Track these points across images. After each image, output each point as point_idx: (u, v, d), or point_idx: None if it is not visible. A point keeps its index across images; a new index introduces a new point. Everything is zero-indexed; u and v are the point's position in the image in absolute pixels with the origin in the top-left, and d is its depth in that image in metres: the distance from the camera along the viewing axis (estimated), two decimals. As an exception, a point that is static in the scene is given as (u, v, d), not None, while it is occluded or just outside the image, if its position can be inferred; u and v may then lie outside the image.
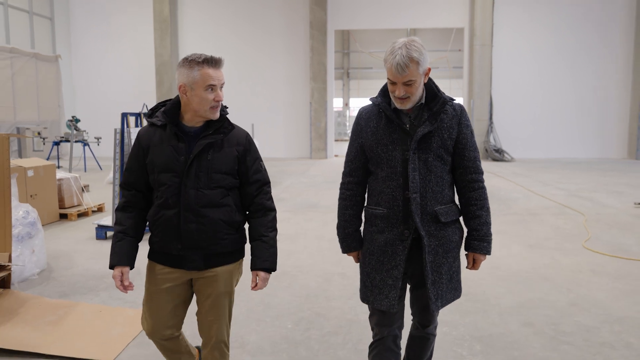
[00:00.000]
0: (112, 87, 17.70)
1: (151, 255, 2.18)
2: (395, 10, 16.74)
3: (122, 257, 2.09)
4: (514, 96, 16.70)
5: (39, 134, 13.70)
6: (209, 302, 2.15)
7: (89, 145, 13.41)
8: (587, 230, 6.18)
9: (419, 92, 2.05)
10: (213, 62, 2.02)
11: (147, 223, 2.18)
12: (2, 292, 3.56)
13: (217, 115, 2.08)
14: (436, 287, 2.11)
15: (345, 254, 2.32)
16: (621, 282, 4.32)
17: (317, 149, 16.89)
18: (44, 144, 13.73)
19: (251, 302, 3.83)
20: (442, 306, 2.14)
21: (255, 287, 2.17)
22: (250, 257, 2.19)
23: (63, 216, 6.83)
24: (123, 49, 17.69)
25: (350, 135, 2.27)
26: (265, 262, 2.15)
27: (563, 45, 16.50)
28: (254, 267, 2.16)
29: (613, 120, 16.70)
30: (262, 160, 2.22)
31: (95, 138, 13.35)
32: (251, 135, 8.84)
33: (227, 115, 2.16)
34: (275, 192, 9.29)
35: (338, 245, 2.34)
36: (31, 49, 15.84)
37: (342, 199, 2.27)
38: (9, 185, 3.67)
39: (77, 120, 13.21)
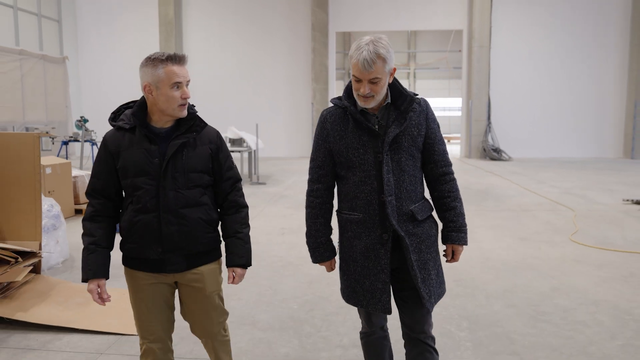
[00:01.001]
0: (117, 87, 18.05)
1: (127, 262, 2.12)
2: (395, 12, 17.07)
3: (97, 270, 2.03)
4: (511, 97, 17.03)
5: (47, 133, 14.08)
6: (200, 304, 2.15)
7: (97, 145, 13.78)
8: (576, 225, 6.51)
9: (383, 91, 2.02)
10: (177, 59, 1.99)
11: (118, 230, 2.14)
12: (34, 277, 3.91)
13: (185, 113, 2.06)
14: (427, 285, 2.08)
15: (317, 264, 2.25)
16: (602, 270, 4.66)
17: (319, 149, 17.24)
18: (52, 143, 14.09)
19: (261, 287, 4.18)
20: (435, 302, 2.13)
21: (232, 282, 2.18)
22: (225, 254, 2.20)
23: (78, 211, 7.19)
24: (128, 50, 18.04)
25: (314, 140, 2.20)
26: (242, 258, 2.16)
27: (560, 46, 16.82)
28: (230, 264, 2.17)
29: (609, 121, 17.02)
30: (232, 158, 2.22)
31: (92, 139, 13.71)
32: (255, 135, 9.20)
33: (198, 113, 2.14)
34: (278, 190, 9.64)
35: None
36: (39, 51, 16.21)
37: (310, 207, 2.20)
38: (39, 180, 4.03)
39: (86, 121, 13.56)
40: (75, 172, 7.35)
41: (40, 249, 3.99)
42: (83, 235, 2.07)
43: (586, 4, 16.62)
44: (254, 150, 10.71)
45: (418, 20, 17.23)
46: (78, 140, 13.00)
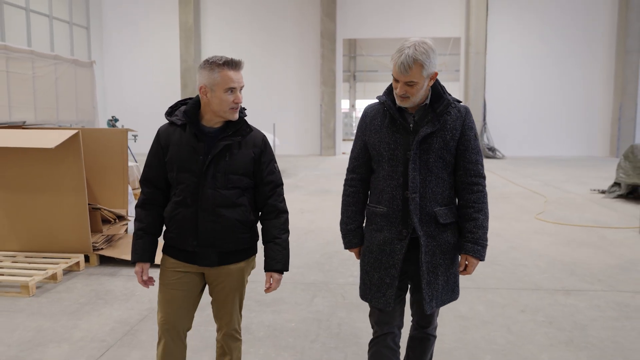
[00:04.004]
0: (139, 90, 19.48)
1: (166, 250, 2.22)
2: (398, 20, 18.42)
3: (142, 255, 2.17)
4: (506, 99, 18.34)
5: (130, 129, 15.53)
6: (222, 297, 2.23)
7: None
8: (544, 208, 7.86)
9: (420, 94, 2.06)
10: (233, 64, 2.06)
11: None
12: (125, 233, 5.30)
13: (237, 116, 2.13)
14: (431, 288, 2.11)
15: (347, 250, 2.34)
16: (552, 237, 6.02)
17: (327, 147, 18.61)
18: (135, 140, 15.50)
19: (291, 244, 5.55)
20: (437, 307, 2.15)
21: (268, 288, 2.24)
22: (263, 256, 2.29)
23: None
24: (150, 54, 19.47)
25: (356, 132, 2.30)
26: (279, 264, 2.22)
27: (552, 52, 18.11)
28: (268, 269, 2.23)
29: (597, 122, 18.30)
30: (276, 162, 2.26)
31: (132, 135, 15.14)
32: (273, 134, 11.00)
33: (246, 117, 2.20)
34: (293, 181, 11.03)
35: None
36: (71, 56, 17.66)
37: (345, 195, 2.29)
38: (126, 164, 5.42)
39: (116, 120, 15.01)
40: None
41: (127, 214, 5.39)
42: (135, 220, 2.23)
43: (576, 13, 17.91)
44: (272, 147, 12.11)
45: (419, 28, 18.55)
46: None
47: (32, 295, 4.06)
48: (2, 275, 4.26)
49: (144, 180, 2.20)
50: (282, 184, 2.27)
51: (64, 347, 3.17)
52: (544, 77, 18.28)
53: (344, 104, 31.26)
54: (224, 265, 2.16)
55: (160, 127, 2.21)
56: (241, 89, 2.09)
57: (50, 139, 4.43)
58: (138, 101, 19.24)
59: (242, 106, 2.17)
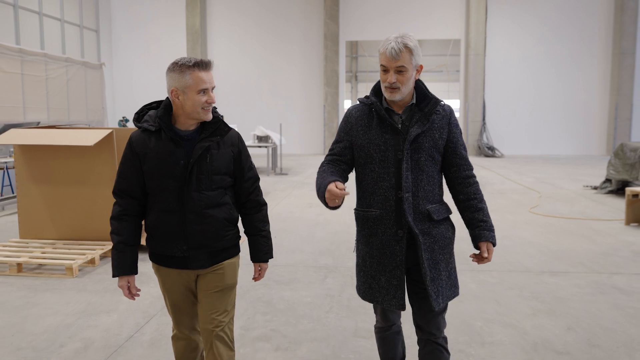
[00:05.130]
0: (148, 91, 19.98)
1: (154, 258, 2.21)
2: (399, 23, 18.92)
3: (125, 268, 2.14)
4: (505, 99, 18.83)
5: None
6: (216, 295, 2.19)
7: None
8: (537, 202, 8.35)
9: (409, 85, 2.08)
10: (203, 65, 2.03)
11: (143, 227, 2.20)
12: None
13: (210, 116, 2.10)
14: (436, 284, 2.12)
15: (332, 209, 2.09)
16: (543, 228, 6.51)
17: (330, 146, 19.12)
18: None
19: (302, 235, 6.07)
20: (443, 303, 2.14)
21: (258, 277, 2.35)
22: (248, 250, 2.35)
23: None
24: (158, 56, 19.98)
25: (337, 132, 2.28)
26: (266, 254, 2.31)
27: (550, 54, 18.60)
28: (256, 260, 2.32)
29: (594, 121, 18.78)
30: (251, 157, 2.28)
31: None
32: (280, 134, 11.69)
33: (222, 117, 2.18)
34: (300, 178, 11.54)
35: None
36: (81, 58, 18.19)
37: (320, 167, 2.27)
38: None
39: (127, 120, 15.51)
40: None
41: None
42: (111, 233, 2.16)
43: (573, 15, 18.40)
44: (277, 146, 12.62)
45: (420, 30, 19.05)
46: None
47: (75, 276, 4.57)
48: (48, 259, 4.77)
49: (119, 191, 2.14)
50: (259, 178, 2.31)
51: (114, 316, 3.68)
52: (542, 78, 18.77)
53: (346, 104, 31.79)
54: (217, 264, 2.18)
55: (132, 135, 2.14)
56: (213, 89, 2.07)
57: (89, 138, 4.94)
58: (146, 102, 19.66)
59: (214, 106, 2.15)
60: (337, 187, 2.00)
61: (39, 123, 12.89)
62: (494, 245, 2.22)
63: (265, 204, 2.33)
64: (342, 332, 3.42)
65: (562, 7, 18.33)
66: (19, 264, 4.65)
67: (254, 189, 2.26)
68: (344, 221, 6.83)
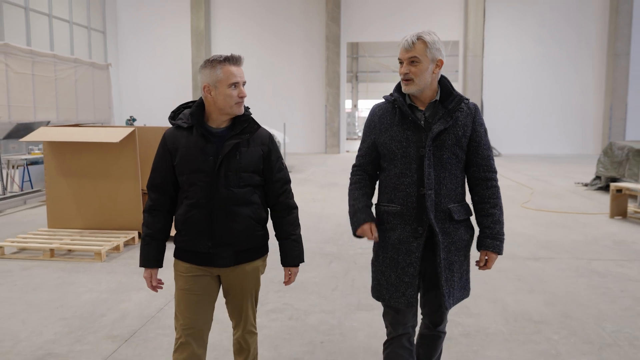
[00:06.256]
0: (153, 91, 20.46)
1: (178, 254, 2.22)
2: (399, 24, 19.37)
3: (150, 261, 2.20)
4: (502, 100, 19.29)
5: None
6: (239, 297, 2.25)
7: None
8: (529, 198, 8.81)
9: (424, 77, 2.05)
10: (234, 60, 2.07)
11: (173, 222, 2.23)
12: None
13: (242, 110, 2.13)
14: (449, 285, 2.12)
15: (358, 237, 2.22)
16: (532, 220, 6.97)
17: (331, 145, 19.58)
18: None
19: (308, 227, 6.52)
20: (454, 303, 2.16)
21: (288, 281, 2.32)
22: (279, 253, 2.32)
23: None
24: (163, 57, 20.45)
25: (363, 131, 2.28)
26: (297, 259, 2.29)
27: (546, 55, 19.06)
28: (287, 264, 2.28)
29: (591, 121, 19.23)
30: (283, 160, 2.28)
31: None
32: (284, 133, 12.32)
33: (252, 115, 2.20)
34: (304, 176, 12.00)
35: None
36: (89, 59, 18.65)
37: (351, 183, 2.28)
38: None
39: (134, 120, 15.99)
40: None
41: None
42: (142, 225, 2.23)
43: (569, 17, 18.86)
44: (281, 145, 13.10)
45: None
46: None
47: (103, 260, 5.03)
48: (78, 245, 5.24)
49: (152, 186, 2.20)
50: (290, 181, 2.30)
51: (143, 293, 4.14)
52: (539, 79, 19.22)
53: (347, 104, 32.27)
54: (240, 264, 2.18)
55: (166, 131, 2.21)
56: (244, 84, 2.10)
57: (113, 135, 5.40)
58: (152, 102, 20.22)
59: (246, 106, 2.18)
60: (371, 231, 2.14)
61: (49, 122, 13.34)
62: (499, 253, 2.18)
63: (296, 207, 2.31)
64: (346, 306, 3.88)
65: (558, 9, 18.80)
66: (51, 250, 5.12)
67: (284, 191, 2.25)
68: (345, 213, 7.27)
